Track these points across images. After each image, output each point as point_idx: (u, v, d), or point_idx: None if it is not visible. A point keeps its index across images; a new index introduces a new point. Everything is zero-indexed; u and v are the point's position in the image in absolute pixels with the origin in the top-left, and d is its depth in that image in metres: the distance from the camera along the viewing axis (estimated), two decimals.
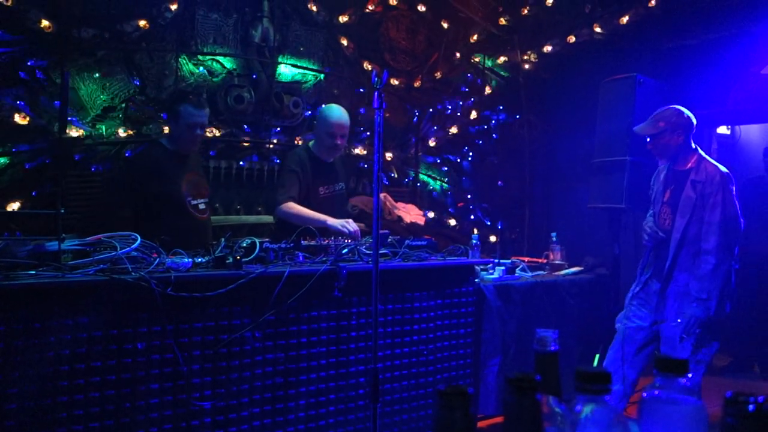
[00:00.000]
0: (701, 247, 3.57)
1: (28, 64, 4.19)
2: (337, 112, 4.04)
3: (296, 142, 5.23)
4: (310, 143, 4.18)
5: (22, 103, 4.17)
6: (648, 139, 3.81)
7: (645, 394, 0.90)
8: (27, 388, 2.48)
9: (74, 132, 4.36)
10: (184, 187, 3.74)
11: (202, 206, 3.85)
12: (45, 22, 4.20)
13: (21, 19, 4.13)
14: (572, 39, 6.16)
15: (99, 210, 4.19)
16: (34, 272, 2.59)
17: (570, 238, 5.28)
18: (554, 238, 4.98)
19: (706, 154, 3.77)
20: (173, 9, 4.75)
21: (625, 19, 5.80)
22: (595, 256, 4.95)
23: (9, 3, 4.05)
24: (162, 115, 4.62)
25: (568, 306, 4.46)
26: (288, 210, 3.87)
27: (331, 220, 3.78)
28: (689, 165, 3.70)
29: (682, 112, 3.71)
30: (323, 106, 4.19)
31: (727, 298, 3.56)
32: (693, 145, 3.74)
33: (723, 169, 3.63)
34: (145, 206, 3.61)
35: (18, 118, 4.14)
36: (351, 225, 3.77)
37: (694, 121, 3.72)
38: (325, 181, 4.13)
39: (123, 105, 4.59)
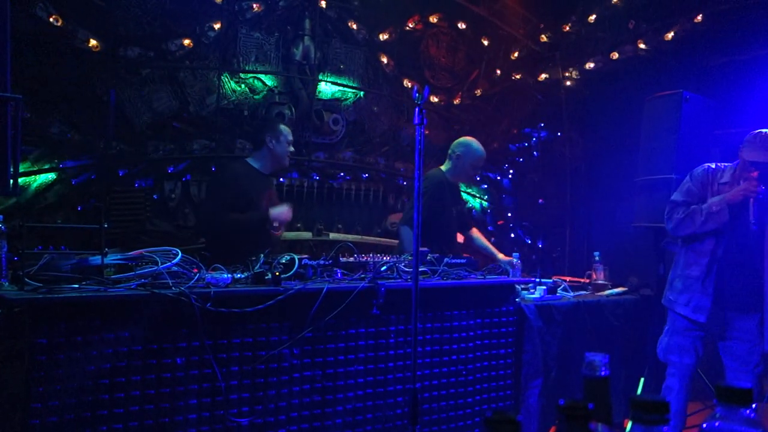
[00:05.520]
0: None
1: (76, 82, 4.31)
2: (480, 146, 4.41)
3: (337, 158, 5.24)
4: (443, 168, 4.45)
5: (70, 120, 4.27)
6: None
7: (704, 425, 0.85)
8: (68, 401, 2.50)
9: (119, 148, 4.45)
10: (265, 205, 3.80)
11: (276, 224, 3.90)
12: (93, 42, 4.31)
13: (70, 39, 4.25)
14: (615, 56, 6.07)
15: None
16: (77, 286, 2.62)
17: (612, 257, 5.13)
18: (597, 258, 4.85)
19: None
20: (216, 28, 4.83)
21: (670, 35, 5.69)
22: (639, 276, 4.81)
23: (59, 23, 4.17)
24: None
25: (612, 327, 4.33)
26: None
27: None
28: None
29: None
30: (465, 140, 4.44)
31: None
32: None
33: None
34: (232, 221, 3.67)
35: (66, 135, 4.25)
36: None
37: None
38: (455, 202, 4.49)
39: (167, 122, 4.66)
